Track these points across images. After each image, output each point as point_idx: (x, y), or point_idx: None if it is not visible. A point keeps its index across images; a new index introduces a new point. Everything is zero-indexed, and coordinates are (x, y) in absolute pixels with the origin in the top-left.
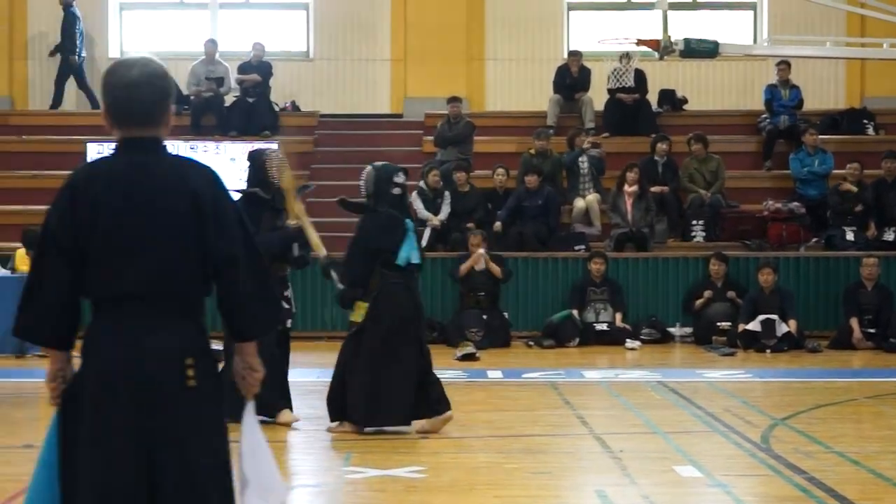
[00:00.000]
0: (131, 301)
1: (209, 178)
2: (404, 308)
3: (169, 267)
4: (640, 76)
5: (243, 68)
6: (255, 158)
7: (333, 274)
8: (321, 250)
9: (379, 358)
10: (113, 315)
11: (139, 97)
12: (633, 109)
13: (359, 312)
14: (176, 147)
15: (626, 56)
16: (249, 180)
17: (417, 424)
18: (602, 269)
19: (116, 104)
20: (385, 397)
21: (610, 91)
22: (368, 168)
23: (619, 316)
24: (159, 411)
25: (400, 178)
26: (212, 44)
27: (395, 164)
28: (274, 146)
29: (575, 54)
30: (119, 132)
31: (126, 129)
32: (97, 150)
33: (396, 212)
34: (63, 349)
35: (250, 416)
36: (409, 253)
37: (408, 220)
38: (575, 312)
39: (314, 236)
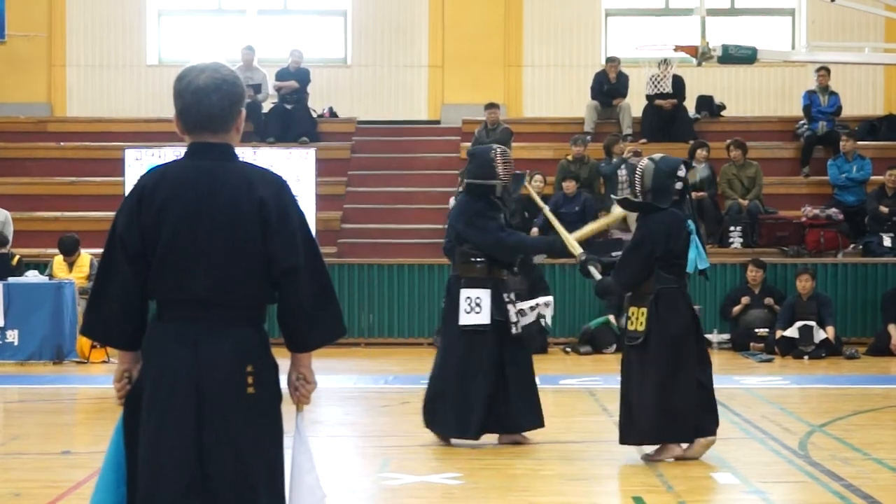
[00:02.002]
0: (194, 305)
1: (277, 186)
2: (686, 316)
3: (232, 273)
4: (677, 82)
5: (281, 75)
6: (479, 155)
7: (593, 270)
8: (577, 249)
9: (666, 369)
10: (176, 318)
11: (208, 103)
12: (670, 115)
13: (638, 320)
14: None
15: (665, 62)
16: (470, 177)
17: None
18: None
19: (186, 110)
20: (678, 412)
21: (648, 97)
22: (646, 162)
23: None
24: (216, 417)
25: (682, 172)
26: (249, 50)
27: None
28: (493, 145)
29: (613, 60)
30: (189, 138)
31: (196, 135)
32: (135, 157)
33: (678, 210)
34: (129, 349)
35: (301, 427)
36: (695, 257)
37: (689, 221)
38: (612, 318)
39: (568, 237)
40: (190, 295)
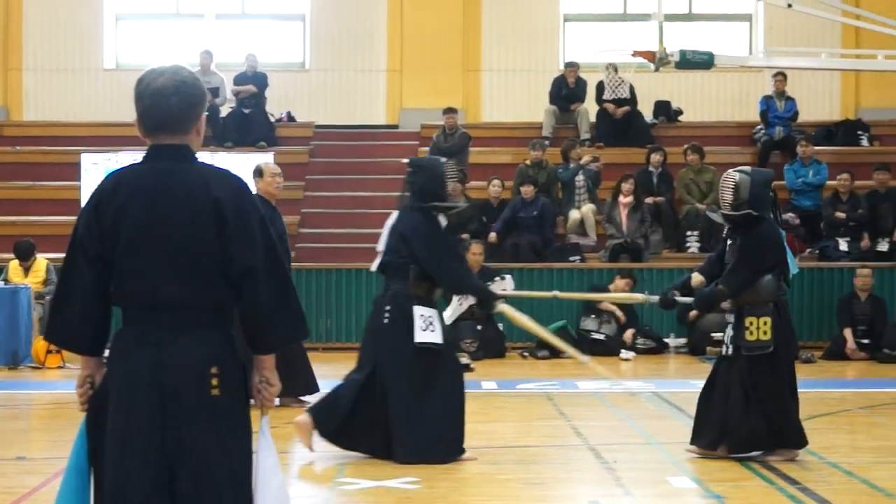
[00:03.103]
0: (157, 308)
1: (234, 186)
2: (791, 323)
3: (192, 274)
4: (632, 87)
5: (239, 79)
6: (430, 168)
7: (679, 298)
8: (652, 297)
9: (788, 379)
10: (139, 322)
11: (167, 105)
12: (625, 120)
13: (761, 329)
14: None
15: (613, 67)
16: (418, 191)
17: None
18: (627, 290)
19: (145, 112)
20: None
21: (601, 102)
22: (738, 175)
23: (629, 333)
24: (181, 419)
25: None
26: (207, 55)
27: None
28: (442, 159)
29: (572, 65)
30: (149, 140)
31: (155, 137)
32: (92, 161)
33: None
34: (91, 354)
35: (265, 431)
36: (793, 263)
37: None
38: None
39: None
40: (151, 298)
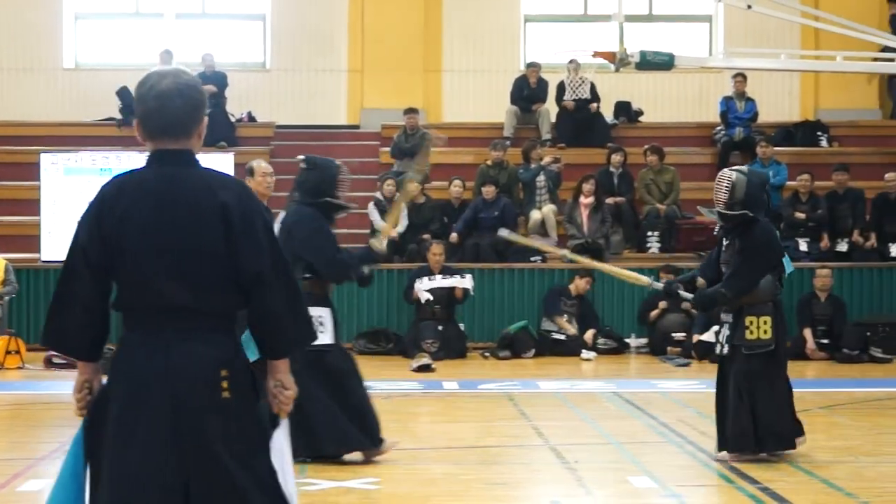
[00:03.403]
0: (163, 312)
1: (239, 191)
2: (786, 321)
3: (199, 279)
4: (593, 87)
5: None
6: (325, 168)
7: (682, 292)
8: (652, 281)
9: (787, 374)
10: (145, 327)
11: (171, 108)
12: (586, 121)
13: (761, 329)
14: (132, 158)
15: (575, 66)
16: (310, 188)
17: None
18: (588, 289)
19: (148, 116)
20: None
21: (559, 102)
22: (734, 174)
23: (590, 333)
24: (192, 423)
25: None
26: (167, 54)
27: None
28: (338, 161)
29: (533, 65)
30: (151, 144)
31: (158, 141)
32: (51, 161)
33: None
34: (90, 360)
35: (281, 435)
36: (788, 263)
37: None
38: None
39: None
40: (158, 303)
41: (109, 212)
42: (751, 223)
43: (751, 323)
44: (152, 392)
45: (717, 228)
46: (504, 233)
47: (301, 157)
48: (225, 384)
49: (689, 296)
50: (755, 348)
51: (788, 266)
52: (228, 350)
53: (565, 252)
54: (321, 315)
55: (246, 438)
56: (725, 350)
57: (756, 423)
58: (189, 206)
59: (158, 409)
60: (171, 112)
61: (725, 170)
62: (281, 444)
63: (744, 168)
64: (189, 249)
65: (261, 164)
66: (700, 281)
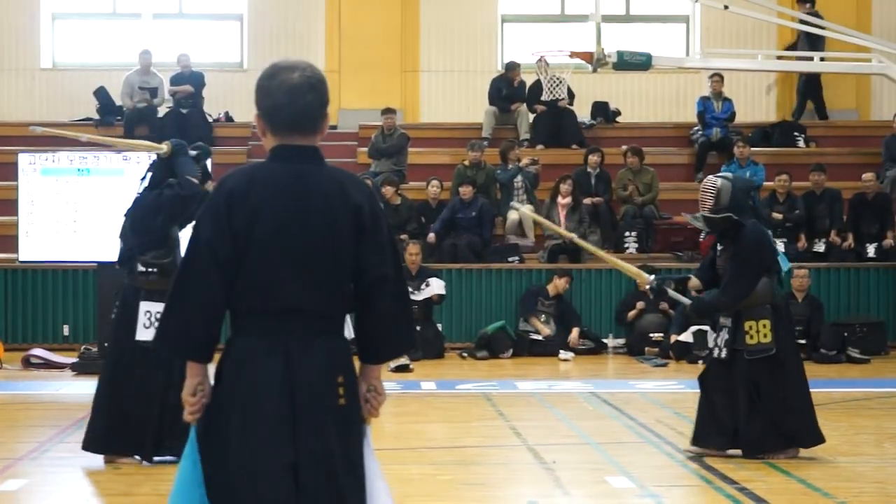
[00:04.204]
0: (284, 314)
1: (368, 191)
2: (792, 322)
3: (325, 282)
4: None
5: (176, 79)
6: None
7: (672, 292)
8: (644, 275)
9: (803, 376)
10: (263, 328)
11: (303, 103)
12: (561, 121)
13: (761, 332)
14: (110, 159)
15: (545, 64)
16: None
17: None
18: (567, 288)
19: (277, 110)
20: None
21: (530, 103)
22: (720, 181)
23: (575, 332)
24: (312, 430)
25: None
26: (146, 54)
27: None
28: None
29: (513, 66)
30: (274, 139)
31: (284, 136)
32: (29, 161)
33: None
34: (206, 362)
35: (368, 442)
36: (784, 261)
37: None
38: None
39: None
40: (280, 304)
41: (240, 207)
42: (739, 228)
43: (750, 328)
44: (273, 397)
45: (703, 234)
46: (516, 205)
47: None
48: (341, 391)
49: (687, 301)
50: (756, 353)
51: (785, 263)
52: (344, 355)
53: (573, 236)
54: (159, 311)
55: (357, 446)
56: (724, 354)
57: (775, 423)
58: (323, 206)
59: (279, 415)
60: (302, 107)
61: (711, 176)
62: (371, 452)
63: (729, 175)
64: (320, 250)
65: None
66: (693, 281)
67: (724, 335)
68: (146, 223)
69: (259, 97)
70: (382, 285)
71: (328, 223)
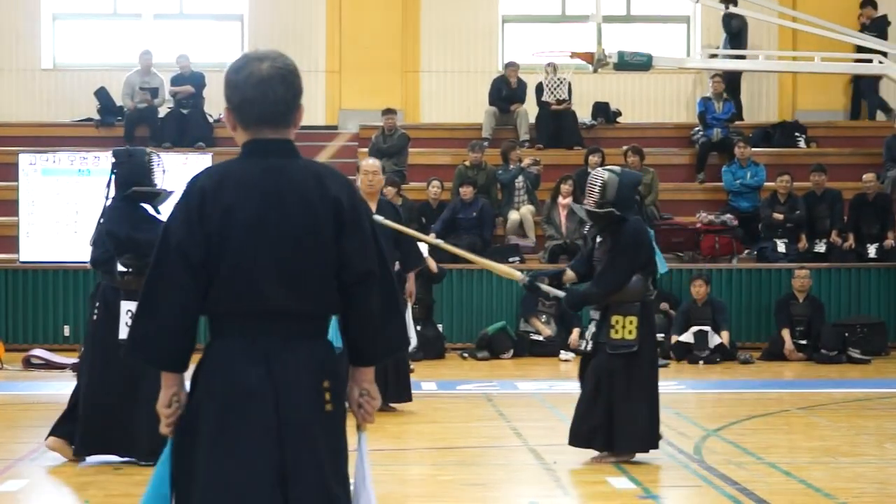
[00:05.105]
0: (264, 317)
1: (347, 185)
2: (654, 325)
3: (307, 281)
4: (570, 88)
5: (176, 80)
6: (135, 157)
7: (544, 287)
8: (516, 273)
9: (654, 380)
10: (241, 332)
11: (274, 95)
12: (561, 122)
13: (626, 328)
14: (109, 159)
15: (553, 67)
16: (122, 182)
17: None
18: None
19: (246, 103)
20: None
21: (538, 103)
22: (607, 174)
23: (576, 332)
24: (300, 437)
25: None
26: (147, 55)
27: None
28: (149, 149)
29: (512, 66)
30: (246, 134)
31: (255, 131)
32: (29, 162)
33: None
34: (180, 371)
35: (363, 447)
36: (661, 263)
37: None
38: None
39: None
40: (259, 307)
41: (212, 206)
42: (621, 222)
43: (616, 322)
44: (256, 405)
45: (587, 227)
46: (378, 217)
47: (110, 150)
48: (328, 396)
49: (561, 294)
50: (618, 348)
51: (662, 266)
52: (328, 358)
53: (439, 242)
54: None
55: (343, 452)
56: (589, 347)
57: (610, 421)
58: (300, 201)
59: (263, 422)
60: (273, 100)
61: (599, 169)
62: (364, 457)
63: (617, 168)
64: (299, 247)
65: (367, 161)
66: (568, 274)
67: (592, 328)
68: (116, 232)
69: (228, 91)
70: (368, 282)
71: (307, 219)
